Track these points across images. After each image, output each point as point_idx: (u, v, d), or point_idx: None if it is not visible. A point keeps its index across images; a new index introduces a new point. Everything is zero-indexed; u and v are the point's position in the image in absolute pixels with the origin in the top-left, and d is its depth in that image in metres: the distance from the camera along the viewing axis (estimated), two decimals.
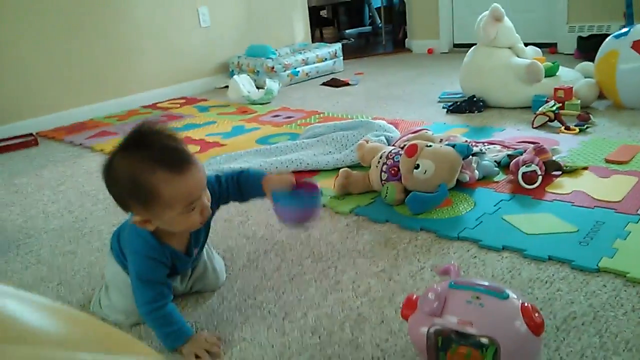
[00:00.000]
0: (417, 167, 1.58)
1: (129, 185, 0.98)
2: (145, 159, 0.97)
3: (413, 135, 1.83)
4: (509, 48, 2.70)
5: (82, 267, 1.48)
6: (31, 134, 2.93)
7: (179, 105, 3.48)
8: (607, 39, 2.52)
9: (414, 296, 0.94)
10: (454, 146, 1.61)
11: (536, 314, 0.86)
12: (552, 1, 4.03)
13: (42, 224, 1.81)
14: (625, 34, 2.41)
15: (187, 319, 1.17)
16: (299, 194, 1.13)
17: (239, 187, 1.20)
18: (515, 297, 0.88)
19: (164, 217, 1.01)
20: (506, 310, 0.85)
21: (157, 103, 3.62)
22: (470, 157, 1.70)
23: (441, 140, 1.73)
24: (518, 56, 2.68)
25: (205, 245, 1.25)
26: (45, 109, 3.18)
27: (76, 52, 3.28)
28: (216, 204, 1.17)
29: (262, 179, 1.17)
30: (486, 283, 0.90)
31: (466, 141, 1.85)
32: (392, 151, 1.71)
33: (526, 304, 0.86)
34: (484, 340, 0.83)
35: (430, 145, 1.61)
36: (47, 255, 1.57)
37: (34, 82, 3.12)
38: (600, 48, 2.51)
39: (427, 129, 1.80)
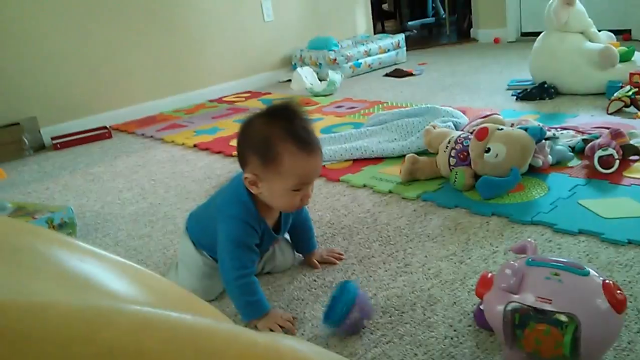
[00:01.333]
0: (488, 150, 1.55)
1: (260, 142, 1.05)
2: (283, 128, 1.05)
3: (482, 119, 1.79)
4: (581, 33, 2.59)
5: (157, 248, 1.54)
6: (105, 127, 3.06)
7: (244, 99, 3.55)
8: None
9: (489, 274, 0.93)
10: (526, 129, 1.57)
11: (618, 292, 0.82)
12: None
13: (118, 209, 1.89)
14: None
15: None
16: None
17: (302, 233, 1.31)
18: (597, 274, 0.85)
19: (273, 185, 1.07)
20: (587, 286, 0.82)
21: (223, 97, 3.71)
22: (543, 141, 1.64)
23: (512, 125, 1.68)
24: (591, 41, 2.57)
25: None
26: (116, 103, 3.32)
27: (144, 49, 3.40)
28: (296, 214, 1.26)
29: (314, 248, 1.33)
30: (565, 260, 0.87)
31: (539, 125, 1.79)
32: (461, 136, 1.68)
33: (608, 281, 0.83)
34: (563, 318, 0.81)
35: (502, 129, 1.58)
36: (124, 238, 1.65)
37: (105, 78, 3.26)
38: None
39: (497, 113, 1.76)
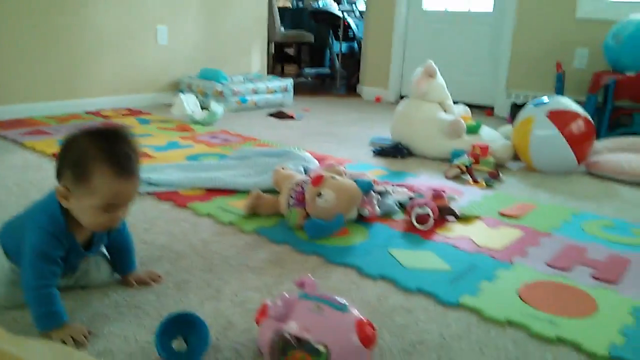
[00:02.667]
0: (320, 195, 1.68)
1: (75, 158, 1.09)
2: (102, 149, 1.08)
3: (325, 167, 1.93)
4: (439, 103, 2.88)
5: None
6: None
7: (121, 116, 3.52)
8: (526, 106, 2.72)
9: (269, 304, 1.02)
10: (356, 182, 1.72)
11: (369, 329, 0.94)
12: (494, 67, 4.30)
13: None
14: (544, 102, 2.61)
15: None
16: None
17: (119, 252, 1.35)
18: (355, 312, 0.97)
19: (82, 202, 1.10)
20: (342, 321, 0.94)
21: (101, 110, 3.65)
22: (372, 193, 1.81)
23: (345, 174, 1.83)
24: (445, 112, 2.86)
25: None
26: None
27: (24, 48, 3.30)
28: (109, 234, 1.29)
29: (133, 269, 1.37)
30: (330, 296, 0.98)
31: (374, 180, 1.96)
32: (303, 180, 1.81)
33: (362, 319, 0.95)
34: (318, 347, 0.91)
35: (335, 178, 1.72)
36: None
37: None
38: (520, 113, 2.71)
39: (337, 165, 1.91)
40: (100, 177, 1.08)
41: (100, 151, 1.08)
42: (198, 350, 1.07)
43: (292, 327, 0.94)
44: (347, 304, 0.97)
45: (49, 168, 2.31)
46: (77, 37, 3.54)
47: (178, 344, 1.09)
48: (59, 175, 1.13)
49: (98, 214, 1.11)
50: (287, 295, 0.97)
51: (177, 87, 4.15)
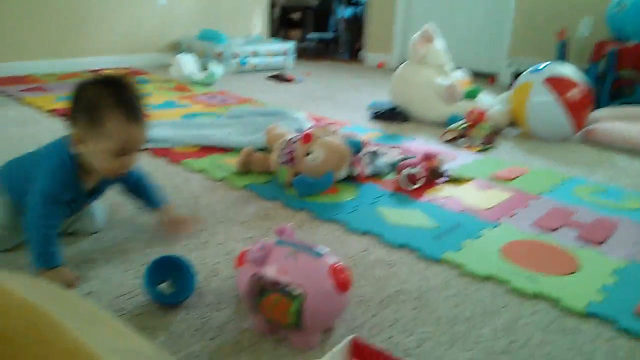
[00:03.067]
0: (309, 154, 1.69)
1: (87, 104, 1.13)
2: (112, 96, 1.13)
3: (316, 126, 1.94)
4: (438, 68, 2.86)
5: None
6: None
7: None
8: (524, 72, 2.70)
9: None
10: (347, 141, 1.73)
11: (344, 274, 0.97)
12: (497, 35, 4.25)
13: None
14: (541, 69, 2.59)
15: None
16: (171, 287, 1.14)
17: (136, 190, 1.37)
18: (330, 258, 0.99)
19: (95, 147, 1.14)
20: (316, 266, 0.96)
21: (101, 69, 3.64)
22: (363, 153, 1.82)
23: (336, 134, 1.83)
24: (444, 77, 2.84)
25: None
26: None
27: (26, 5, 3.28)
28: (117, 182, 1.32)
29: (162, 206, 1.38)
30: (307, 243, 1.00)
31: (366, 141, 1.96)
32: (293, 138, 1.82)
33: (337, 264, 0.97)
34: (292, 289, 0.94)
35: (325, 137, 1.73)
36: None
37: None
38: (518, 79, 2.69)
39: (332, 124, 1.92)
40: (113, 122, 1.12)
41: (111, 97, 1.13)
42: (184, 293, 1.11)
43: (269, 271, 0.96)
44: (323, 250, 0.99)
45: (47, 123, 2.33)
46: None
47: (166, 286, 1.12)
48: (72, 121, 1.16)
49: (110, 159, 1.15)
50: (264, 241, 0.99)
51: (177, 48, 4.13)
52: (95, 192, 1.29)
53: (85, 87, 1.16)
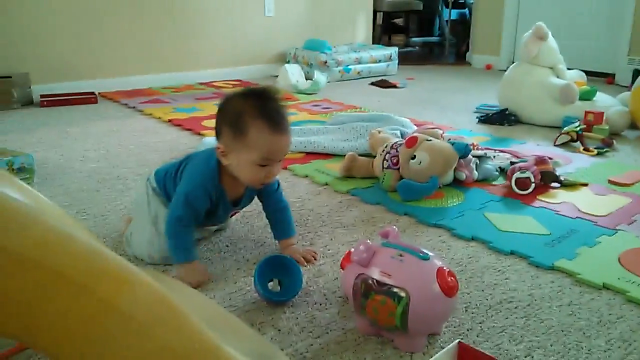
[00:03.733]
0: (414, 157, 1.68)
1: (233, 116, 1.16)
2: (256, 107, 1.15)
3: (421, 129, 1.92)
4: (550, 68, 2.73)
5: (100, 202, 1.68)
6: (92, 93, 3.21)
7: (231, 86, 3.69)
8: None
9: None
10: (453, 144, 1.70)
11: (451, 278, 0.95)
12: (615, 31, 3.98)
13: (78, 165, 2.03)
14: None
15: None
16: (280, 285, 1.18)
17: (273, 216, 1.37)
18: (437, 261, 0.98)
19: (240, 157, 1.17)
20: (423, 268, 0.95)
21: (212, 82, 3.85)
22: (470, 157, 1.78)
23: (442, 137, 1.81)
24: (558, 77, 2.71)
25: None
26: (109, 72, 3.48)
27: (145, 25, 3.55)
28: (258, 193, 1.34)
29: (288, 235, 1.35)
30: (413, 246, 1.00)
31: (473, 144, 1.92)
32: (398, 142, 1.81)
33: (444, 268, 0.96)
34: (398, 291, 0.94)
35: (430, 140, 1.71)
36: (74, 190, 1.78)
37: (103, 46, 3.41)
38: (638, 78, 2.50)
39: (437, 128, 1.89)
40: (257, 132, 1.14)
41: (255, 108, 1.15)
42: (291, 291, 1.14)
43: (374, 272, 0.97)
44: (429, 253, 0.98)
45: (165, 132, 2.50)
46: (190, 13, 3.74)
47: (273, 285, 1.17)
48: (218, 134, 1.21)
49: (255, 169, 1.17)
50: (369, 242, 1.00)
51: (283, 58, 4.26)
52: (240, 201, 1.32)
53: (230, 99, 1.19)
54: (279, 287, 1.17)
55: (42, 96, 3.10)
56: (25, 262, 0.57)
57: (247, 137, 1.14)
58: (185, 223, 1.21)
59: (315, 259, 1.32)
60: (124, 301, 0.59)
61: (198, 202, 1.22)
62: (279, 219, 1.37)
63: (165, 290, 0.63)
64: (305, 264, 1.29)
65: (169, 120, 2.68)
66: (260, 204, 1.38)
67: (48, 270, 0.58)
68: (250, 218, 1.55)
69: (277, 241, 1.37)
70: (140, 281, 0.62)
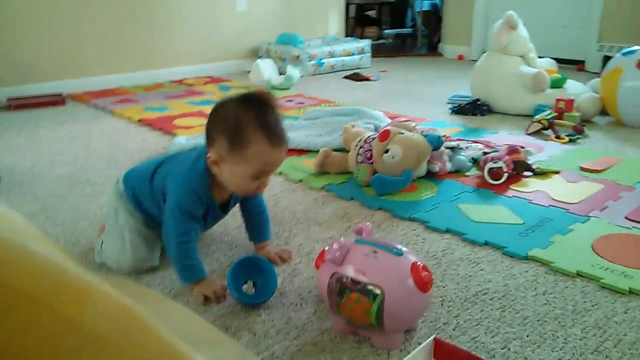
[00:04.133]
0: (387, 151, 1.67)
1: (231, 125, 1.09)
2: (256, 117, 1.09)
3: (394, 122, 1.91)
4: (521, 57, 2.75)
5: (68, 208, 1.64)
6: (60, 94, 3.14)
7: (203, 83, 3.65)
8: (615, 56, 2.54)
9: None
10: (425, 136, 1.69)
11: (425, 273, 0.95)
12: (585, 19, 4.02)
13: (46, 170, 1.98)
14: (633, 52, 2.43)
15: None
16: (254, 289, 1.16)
17: (251, 219, 1.34)
18: (411, 256, 0.97)
19: (235, 168, 1.11)
20: (397, 264, 0.95)
21: (184, 79, 3.79)
22: (443, 149, 1.78)
23: (415, 129, 1.80)
24: (529, 65, 2.73)
25: None
26: (78, 72, 3.40)
27: (113, 23, 3.48)
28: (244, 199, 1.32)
29: (265, 239, 1.33)
30: (386, 241, 0.99)
31: (445, 136, 1.92)
32: (371, 136, 1.81)
33: (418, 263, 0.95)
34: (372, 288, 0.93)
35: (403, 133, 1.70)
36: (43, 196, 1.73)
37: (70, 46, 3.34)
38: (607, 64, 2.54)
39: (410, 120, 1.89)
40: (257, 146, 1.08)
41: (256, 119, 1.08)
42: (266, 293, 1.13)
43: (348, 270, 0.96)
44: (403, 249, 0.97)
45: (136, 133, 2.46)
46: (158, 9, 3.68)
47: (248, 287, 1.15)
48: (210, 142, 1.14)
49: (248, 181, 1.13)
50: (342, 239, 0.99)
51: (255, 53, 4.22)
52: (227, 207, 1.29)
53: (226, 106, 1.13)
54: (253, 289, 1.15)
55: (8, 99, 3.02)
56: None
57: (247, 151, 1.08)
58: (188, 237, 1.15)
59: (290, 259, 1.30)
60: (86, 317, 0.57)
61: (194, 208, 1.16)
62: (257, 222, 1.34)
63: (130, 301, 0.61)
64: (281, 263, 1.28)
65: (140, 120, 2.64)
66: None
67: (6, 289, 0.56)
68: (224, 219, 1.53)
69: (251, 242, 1.35)
70: (103, 294, 0.60)
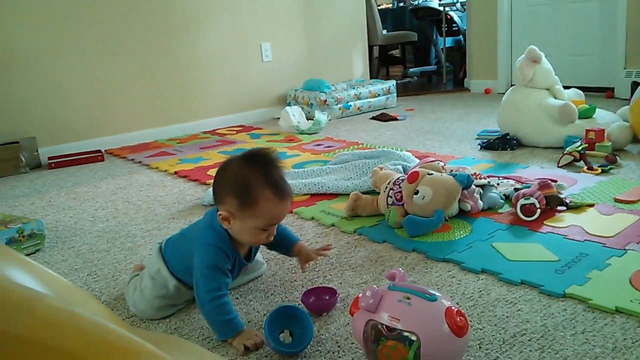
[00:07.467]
0: (417, 192, 1.69)
1: (239, 185, 1.17)
2: (262, 175, 1.18)
3: (422, 163, 1.93)
4: (547, 89, 2.75)
5: (110, 262, 1.69)
6: (99, 151, 3.27)
7: (234, 132, 3.75)
8: None
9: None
10: (454, 176, 1.71)
11: (460, 318, 0.95)
12: (610, 45, 4.01)
13: (88, 225, 2.05)
14: None
15: None
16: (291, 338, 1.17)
17: (274, 243, 1.35)
18: (445, 301, 0.98)
19: (245, 223, 1.19)
20: (431, 310, 0.95)
21: (216, 129, 3.91)
22: (474, 187, 1.78)
23: (443, 169, 1.81)
24: (555, 97, 2.72)
25: None
26: (115, 129, 3.55)
27: (146, 81, 3.64)
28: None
29: (295, 243, 1.41)
30: (420, 287, 1.00)
31: (475, 174, 1.93)
32: (400, 178, 1.83)
33: (452, 307, 0.96)
34: (408, 335, 0.94)
35: (432, 174, 1.72)
36: (85, 251, 1.80)
37: (107, 105, 3.49)
38: (637, 91, 2.52)
39: (438, 160, 1.90)
40: (266, 202, 1.17)
41: (262, 178, 1.17)
42: (303, 341, 1.14)
43: (383, 317, 0.97)
44: (437, 294, 0.98)
45: (172, 185, 2.53)
46: (190, 65, 3.83)
47: (285, 336, 1.16)
48: (220, 201, 1.22)
49: (258, 233, 1.22)
50: (375, 287, 1.01)
51: (283, 101, 4.32)
52: (250, 256, 1.35)
53: (231, 166, 1.20)
54: (290, 338, 1.17)
55: (49, 158, 3.16)
56: (31, 345, 0.58)
57: (256, 208, 1.17)
58: (220, 292, 1.18)
59: (329, 249, 1.44)
60: None
61: (220, 262, 1.21)
62: (279, 238, 1.36)
63: (169, 357, 0.64)
64: (327, 255, 1.44)
65: (175, 172, 2.72)
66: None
67: (55, 351, 0.60)
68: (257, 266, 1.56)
69: (288, 256, 1.45)
70: (145, 352, 0.63)
